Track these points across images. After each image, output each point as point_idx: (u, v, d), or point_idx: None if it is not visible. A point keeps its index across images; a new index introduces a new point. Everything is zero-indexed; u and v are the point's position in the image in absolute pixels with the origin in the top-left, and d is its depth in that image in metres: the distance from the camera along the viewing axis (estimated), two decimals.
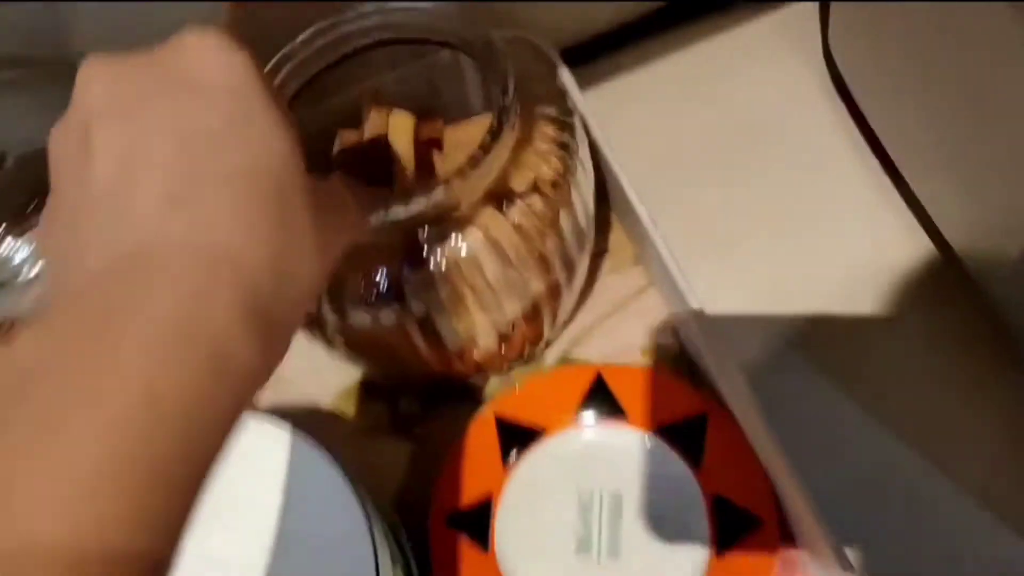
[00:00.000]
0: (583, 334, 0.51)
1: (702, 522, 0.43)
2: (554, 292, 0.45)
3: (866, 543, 0.42)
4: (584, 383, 0.47)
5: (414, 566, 0.44)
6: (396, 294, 0.41)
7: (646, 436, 0.46)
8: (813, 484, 0.39)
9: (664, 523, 0.44)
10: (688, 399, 0.46)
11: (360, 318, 0.42)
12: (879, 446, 0.45)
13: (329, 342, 0.44)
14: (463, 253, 0.40)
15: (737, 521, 0.43)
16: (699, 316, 0.43)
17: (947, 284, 0.48)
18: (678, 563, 0.43)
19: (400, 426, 0.50)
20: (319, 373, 0.52)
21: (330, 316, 0.42)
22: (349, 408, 0.51)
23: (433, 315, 0.42)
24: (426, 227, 0.40)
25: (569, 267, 0.45)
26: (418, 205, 0.38)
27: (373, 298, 0.41)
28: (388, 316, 0.41)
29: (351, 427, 0.50)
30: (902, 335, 0.48)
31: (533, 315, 0.45)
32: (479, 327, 0.43)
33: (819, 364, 0.48)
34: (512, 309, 0.43)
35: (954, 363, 0.47)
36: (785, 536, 0.43)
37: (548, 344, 0.51)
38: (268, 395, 0.52)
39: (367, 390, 0.51)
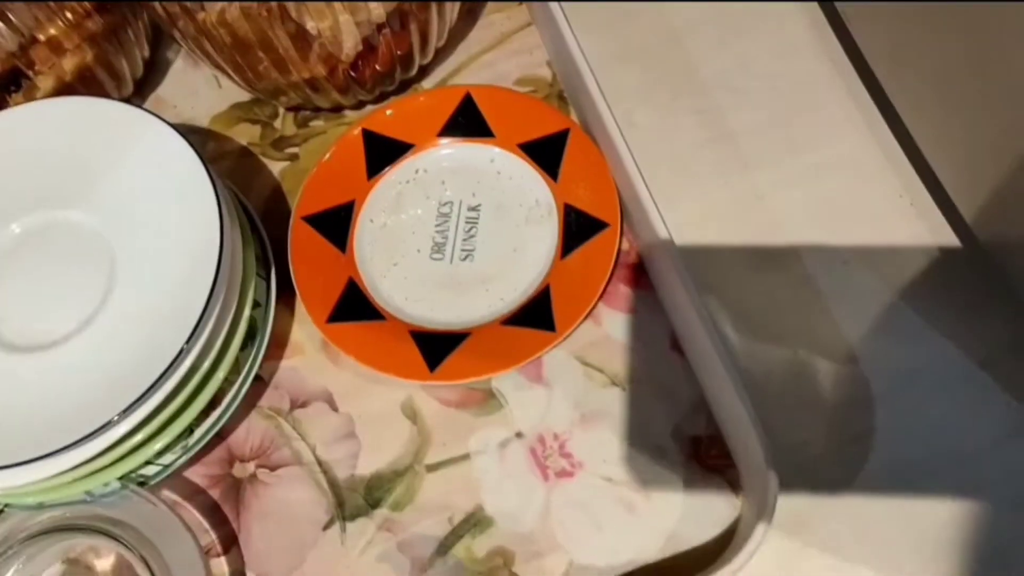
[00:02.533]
0: (460, 67, 0.51)
1: (552, 227, 0.45)
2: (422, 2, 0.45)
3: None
4: (454, 103, 0.48)
5: (270, 253, 0.45)
6: None
7: (508, 153, 0.47)
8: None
9: (516, 230, 0.46)
10: (552, 118, 0.47)
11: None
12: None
13: (191, 41, 0.44)
14: None
15: (584, 226, 0.45)
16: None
17: (930, 224, 0.46)
18: (527, 264, 0.45)
19: (274, 145, 0.51)
20: (196, 95, 0.52)
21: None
22: (225, 129, 0.51)
23: (295, 7, 0.42)
24: None
25: None
26: None
27: None
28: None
29: (226, 146, 0.51)
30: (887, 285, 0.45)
31: (401, 25, 0.45)
32: (343, 26, 0.43)
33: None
34: (377, 12, 0.44)
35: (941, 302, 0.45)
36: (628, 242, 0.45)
37: (424, 73, 0.51)
38: None
39: (243, 112, 0.52)
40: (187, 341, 0.37)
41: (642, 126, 0.48)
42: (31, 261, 0.42)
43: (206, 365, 0.39)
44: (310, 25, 0.43)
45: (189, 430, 0.40)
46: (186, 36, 0.45)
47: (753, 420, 0.37)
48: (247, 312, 0.42)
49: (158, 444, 0.39)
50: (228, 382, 0.41)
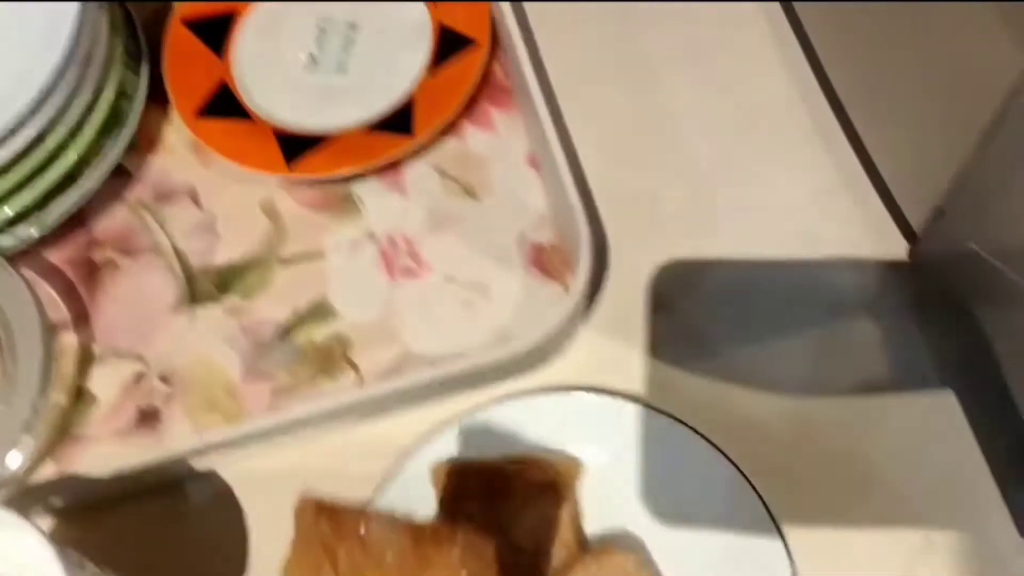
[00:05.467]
0: None
1: (426, 45, 0.46)
2: None
3: None
4: None
5: (144, 49, 0.45)
6: None
7: None
8: None
9: (392, 49, 0.46)
10: None
11: None
12: None
13: None
14: None
15: (455, 44, 0.45)
16: None
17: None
18: (397, 79, 0.45)
19: None
20: None
21: None
22: None
23: None
24: None
25: None
26: None
27: None
28: None
29: None
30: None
31: None
32: None
33: None
34: None
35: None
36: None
37: None
38: None
39: None
40: (33, 105, 0.38)
41: None
42: None
43: (57, 136, 0.40)
44: None
45: (43, 203, 0.41)
46: None
47: (585, 220, 0.39)
48: (110, 96, 0.42)
49: (8, 210, 0.40)
50: (86, 164, 0.42)
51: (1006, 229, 0.34)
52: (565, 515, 0.36)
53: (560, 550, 0.35)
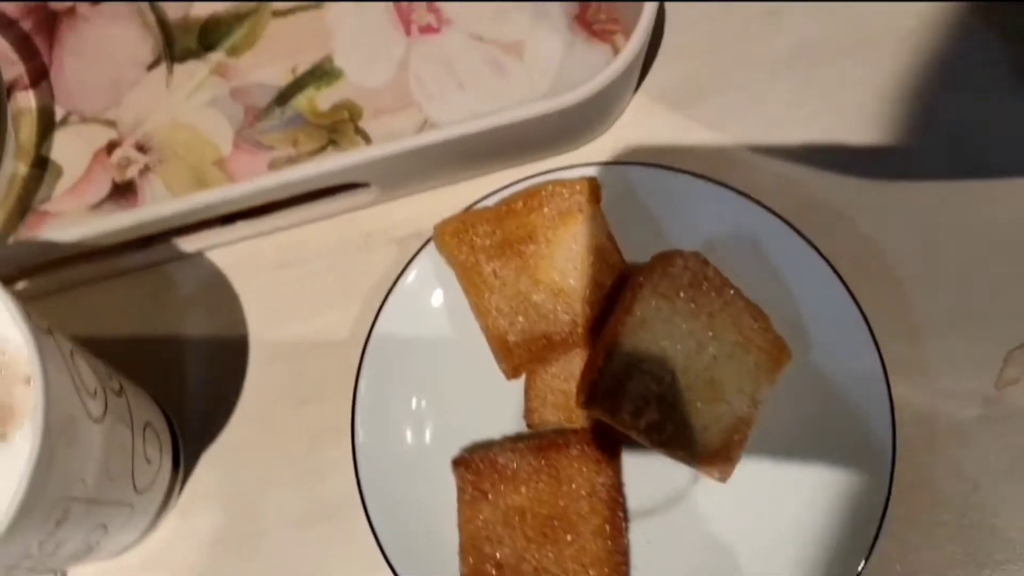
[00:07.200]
0: None
1: None
2: None
3: None
4: None
5: None
6: None
7: None
8: None
9: None
10: None
11: None
12: None
13: None
14: None
15: None
16: None
17: None
18: None
19: None
20: None
21: None
22: None
23: None
24: None
25: None
26: None
27: None
28: None
29: None
30: None
31: None
32: None
33: None
34: None
35: None
36: None
37: None
38: None
39: None
40: None
41: None
42: None
43: None
44: None
45: None
46: None
47: None
48: None
49: None
50: None
51: None
52: (598, 236, 0.31)
53: (605, 274, 0.31)
